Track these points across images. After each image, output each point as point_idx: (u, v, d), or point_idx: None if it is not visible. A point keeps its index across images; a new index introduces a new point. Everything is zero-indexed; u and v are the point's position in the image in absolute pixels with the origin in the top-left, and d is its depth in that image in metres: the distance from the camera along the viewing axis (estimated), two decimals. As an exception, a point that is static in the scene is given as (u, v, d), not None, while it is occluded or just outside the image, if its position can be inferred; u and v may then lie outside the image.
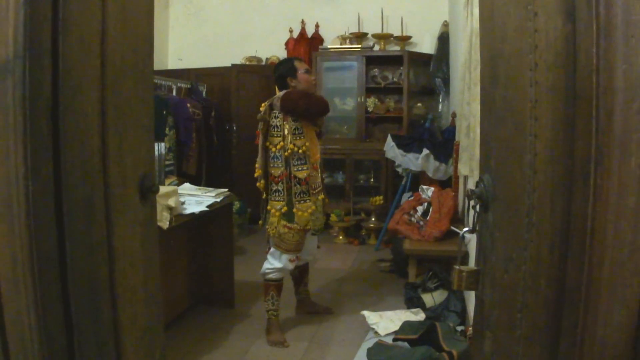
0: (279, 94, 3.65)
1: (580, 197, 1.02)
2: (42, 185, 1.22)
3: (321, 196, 3.76)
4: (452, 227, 4.38)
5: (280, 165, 3.58)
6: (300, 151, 3.57)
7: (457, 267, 1.56)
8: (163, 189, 3.62)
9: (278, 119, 3.58)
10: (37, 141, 1.21)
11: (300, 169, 3.59)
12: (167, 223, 3.35)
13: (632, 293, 1.00)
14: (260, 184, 3.70)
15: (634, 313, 1.01)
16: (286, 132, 3.56)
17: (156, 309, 1.68)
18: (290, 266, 3.72)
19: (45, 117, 1.23)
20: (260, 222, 3.84)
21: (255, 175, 3.71)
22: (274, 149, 3.59)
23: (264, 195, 3.72)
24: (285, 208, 3.59)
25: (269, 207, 3.69)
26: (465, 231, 1.61)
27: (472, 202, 1.52)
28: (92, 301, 1.35)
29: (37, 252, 1.18)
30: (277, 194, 3.62)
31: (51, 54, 1.26)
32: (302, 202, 3.60)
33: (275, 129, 3.59)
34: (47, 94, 1.24)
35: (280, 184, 3.59)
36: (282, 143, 3.56)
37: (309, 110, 3.59)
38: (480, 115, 1.60)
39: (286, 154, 3.56)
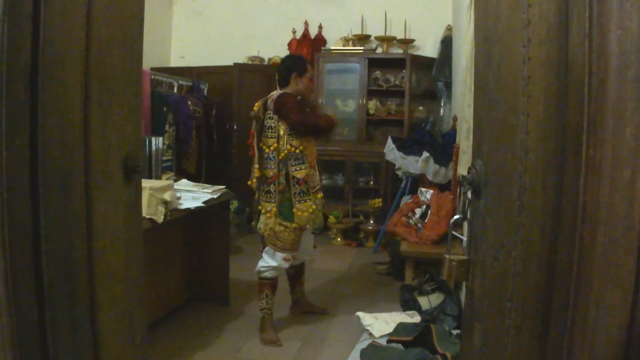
0: (274, 93, 3.60)
1: (572, 171, 0.98)
2: (17, 153, 1.18)
3: (320, 195, 3.72)
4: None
5: (272, 167, 3.53)
6: (297, 151, 3.53)
7: (447, 256, 1.52)
8: (159, 183, 3.59)
9: (273, 120, 3.52)
10: (13, 107, 1.17)
11: (298, 169, 3.54)
12: (162, 217, 3.32)
13: (627, 273, 0.94)
14: (252, 182, 3.65)
15: (628, 294, 0.96)
16: (282, 132, 3.51)
17: (138, 293, 1.63)
18: (285, 265, 3.68)
19: (23, 83, 1.19)
20: (253, 222, 3.79)
21: (256, 175, 3.61)
22: (267, 150, 3.54)
23: (256, 196, 3.68)
24: (274, 209, 3.55)
25: (260, 208, 3.65)
26: (457, 218, 1.57)
27: (463, 189, 1.48)
28: (67, 277, 1.31)
29: (9, 221, 1.14)
30: (268, 195, 3.58)
31: (32, 20, 1.23)
32: (302, 202, 3.55)
33: (270, 130, 3.53)
34: (26, 59, 1.20)
35: (272, 185, 3.55)
36: (275, 145, 3.51)
37: (301, 126, 3.50)
38: (474, 100, 1.56)
39: (281, 156, 3.51)
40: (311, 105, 3.73)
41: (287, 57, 4.00)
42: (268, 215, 3.57)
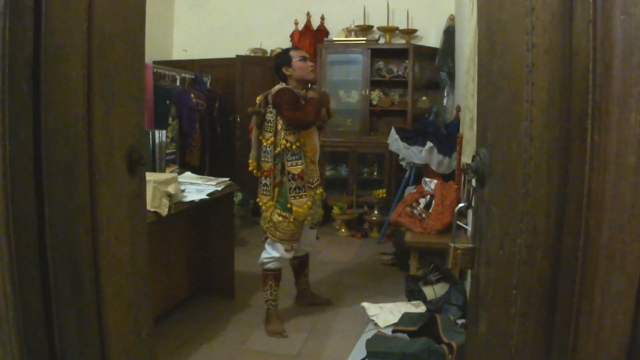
0: (274, 88, 3.60)
1: (577, 158, 0.97)
2: (21, 146, 1.18)
3: (319, 190, 3.71)
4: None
5: (269, 160, 3.54)
6: (293, 147, 3.51)
7: (452, 244, 1.51)
8: (163, 176, 3.59)
9: (271, 114, 3.53)
10: (16, 100, 1.17)
11: (294, 164, 3.53)
12: (166, 210, 3.32)
13: (632, 260, 0.94)
14: (257, 172, 3.68)
15: (633, 281, 0.95)
16: (279, 127, 3.51)
17: (143, 286, 1.64)
18: (287, 255, 3.68)
19: (25, 77, 1.19)
20: None
21: (250, 169, 3.70)
22: (265, 143, 3.55)
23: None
24: (270, 202, 3.56)
25: (257, 200, 3.68)
26: (461, 207, 1.56)
27: (468, 177, 1.47)
28: (72, 270, 1.31)
29: (14, 215, 1.14)
30: (264, 188, 3.60)
31: (34, 13, 1.22)
32: (297, 197, 3.54)
33: (268, 124, 3.54)
34: (28, 53, 1.20)
35: (268, 178, 3.56)
36: (272, 139, 3.51)
37: (292, 122, 3.48)
38: (478, 88, 1.55)
39: (276, 151, 3.51)
40: (309, 96, 3.67)
41: (273, 60, 3.99)
42: (264, 207, 3.59)
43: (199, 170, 5.46)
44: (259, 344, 3.49)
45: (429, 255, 4.35)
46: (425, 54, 6.71)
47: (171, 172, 4.47)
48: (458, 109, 5.43)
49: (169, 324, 3.69)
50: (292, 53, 3.66)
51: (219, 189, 3.98)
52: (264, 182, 3.59)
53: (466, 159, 3.92)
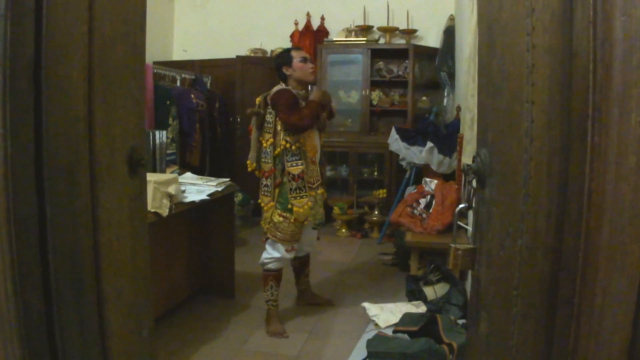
0: (273, 89, 3.61)
1: (578, 158, 0.97)
2: (22, 147, 1.18)
3: (320, 190, 3.71)
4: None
5: (269, 161, 3.55)
6: (293, 147, 3.51)
7: (452, 245, 1.51)
8: (163, 176, 3.60)
9: (271, 115, 3.53)
10: (17, 102, 1.17)
11: (294, 165, 3.53)
12: (167, 210, 3.33)
13: (633, 260, 0.94)
14: (258, 172, 3.69)
15: (634, 281, 0.95)
16: (278, 128, 3.51)
17: (144, 286, 1.64)
18: (288, 255, 3.68)
19: (26, 78, 1.19)
20: None
21: (249, 169, 3.72)
22: (265, 144, 3.55)
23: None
24: (271, 203, 3.57)
25: (259, 201, 3.68)
26: (462, 207, 1.56)
27: (468, 178, 1.47)
28: (73, 271, 1.31)
29: (15, 215, 1.14)
30: (266, 189, 3.61)
31: (34, 15, 1.23)
32: (298, 198, 3.54)
33: (268, 125, 3.54)
34: (29, 54, 1.20)
35: (269, 179, 3.57)
36: (271, 140, 3.51)
37: (285, 125, 3.48)
38: (478, 89, 1.55)
39: (276, 151, 3.52)
40: (310, 98, 3.68)
41: (274, 59, 4.00)
42: (265, 208, 3.60)
43: (199, 171, 5.46)
44: (260, 344, 3.50)
45: (430, 256, 4.35)
46: (426, 54, 6.71)
47: (172, 172, 4.48)
48: (458, 109, 5.43)
49: (169, 324, 3.69)
50: (293, 53, 3.67)
51: (220, 189, 3.98)
52: (265, 182, 3.60)
53: (466, 159, 3.92)
